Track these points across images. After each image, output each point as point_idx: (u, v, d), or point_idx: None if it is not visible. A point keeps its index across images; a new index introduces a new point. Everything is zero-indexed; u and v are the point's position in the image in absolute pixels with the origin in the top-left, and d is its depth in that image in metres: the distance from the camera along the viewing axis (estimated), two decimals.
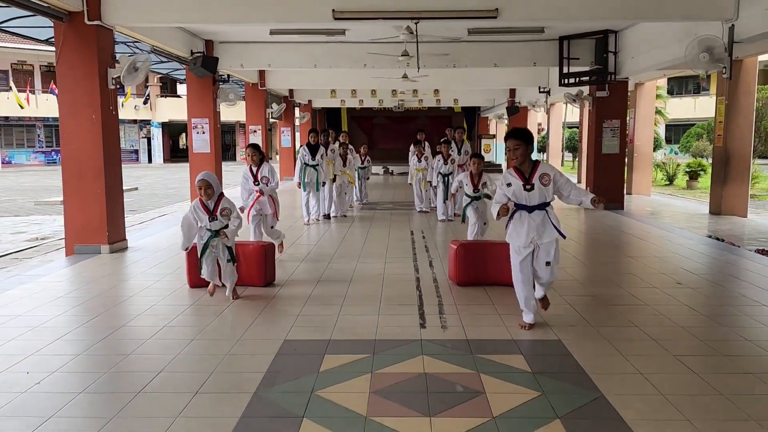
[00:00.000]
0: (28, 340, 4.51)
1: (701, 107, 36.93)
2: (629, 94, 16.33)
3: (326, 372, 3.81)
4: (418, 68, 10.90)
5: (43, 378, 3.76)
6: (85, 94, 7.57)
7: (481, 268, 5.95)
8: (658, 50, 10.03)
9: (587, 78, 12.07)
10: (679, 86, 39.01)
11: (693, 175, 19.71)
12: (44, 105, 34.66)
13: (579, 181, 18.48)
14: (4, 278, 6.65)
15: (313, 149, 10.07)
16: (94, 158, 7.66)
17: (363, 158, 13.39)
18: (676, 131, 37.66)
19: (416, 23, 7.97)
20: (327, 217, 10.90)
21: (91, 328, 4.81)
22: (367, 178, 13.90)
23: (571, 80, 12.11)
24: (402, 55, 10.50)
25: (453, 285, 6.04)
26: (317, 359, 4.03)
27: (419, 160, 11.96)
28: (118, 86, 7.78)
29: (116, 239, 7.96)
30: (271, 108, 17.15)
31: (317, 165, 10.04)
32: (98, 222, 7.73)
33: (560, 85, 12.39)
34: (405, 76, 13.18)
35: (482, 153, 26.12)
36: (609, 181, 12.45)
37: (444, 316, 5.02)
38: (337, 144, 11.46)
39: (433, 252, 7.82)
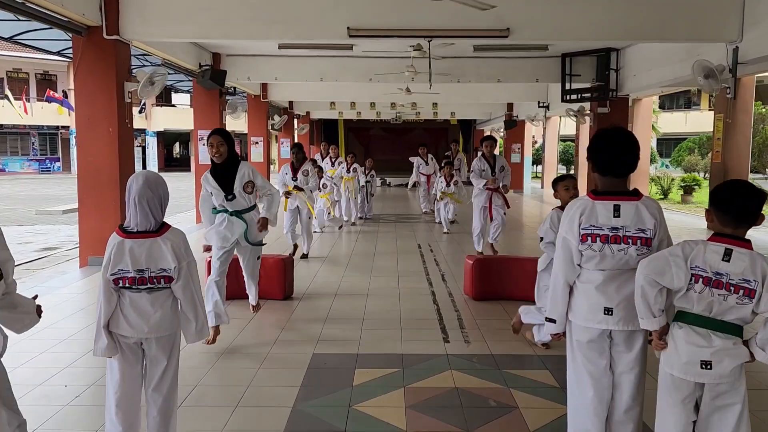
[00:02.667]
0: (59, 352, 4.57)
1: (692, 122, 37.47)
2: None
3: (360, 386, 3.91)
4: (431, 85, 11.06)
5: (82, 391, 3.83)
6: (102, 107, 7.64)
7: (497, 283, 6.07)
8: (660, 69, 10.26)
9: (589, 94, 12.30)
10: (671, 101, 39.55)
11: (688, 189, 19.99)
12: (39, 113, 34.51)
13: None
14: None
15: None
16: (110, 170, 7.72)
17: (367, 172, 13.47)
18: (667, 145, 38.12)
19: (429, 41, 8.13)
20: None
21: None
22: (372, 194, 13.90)
23: (573, 96, 12.34)
24: (408, 71, 10.66)
25: (469, 300, 6.15)
26: (349, 373, 4.12)
27: (448, 185, 11.09)
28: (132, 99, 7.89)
29: None
30: (273, 120, 17.25)
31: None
32: None
33: (563, 101, 12.61)
34: (408, 90, 13.37)
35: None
36: None
37: (465, 331, 5.13)
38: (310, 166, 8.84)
39: (443, 266, 7.93)
